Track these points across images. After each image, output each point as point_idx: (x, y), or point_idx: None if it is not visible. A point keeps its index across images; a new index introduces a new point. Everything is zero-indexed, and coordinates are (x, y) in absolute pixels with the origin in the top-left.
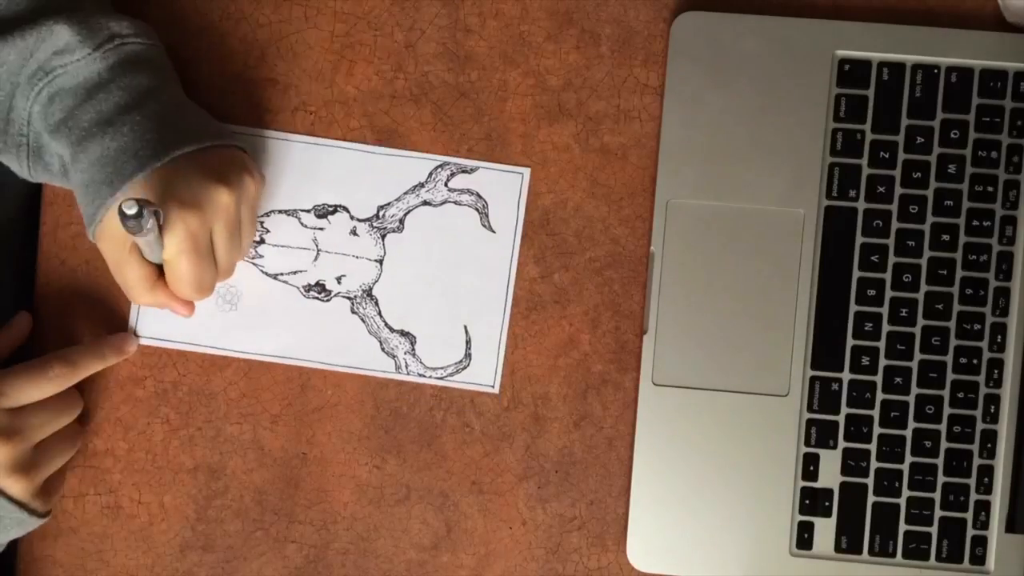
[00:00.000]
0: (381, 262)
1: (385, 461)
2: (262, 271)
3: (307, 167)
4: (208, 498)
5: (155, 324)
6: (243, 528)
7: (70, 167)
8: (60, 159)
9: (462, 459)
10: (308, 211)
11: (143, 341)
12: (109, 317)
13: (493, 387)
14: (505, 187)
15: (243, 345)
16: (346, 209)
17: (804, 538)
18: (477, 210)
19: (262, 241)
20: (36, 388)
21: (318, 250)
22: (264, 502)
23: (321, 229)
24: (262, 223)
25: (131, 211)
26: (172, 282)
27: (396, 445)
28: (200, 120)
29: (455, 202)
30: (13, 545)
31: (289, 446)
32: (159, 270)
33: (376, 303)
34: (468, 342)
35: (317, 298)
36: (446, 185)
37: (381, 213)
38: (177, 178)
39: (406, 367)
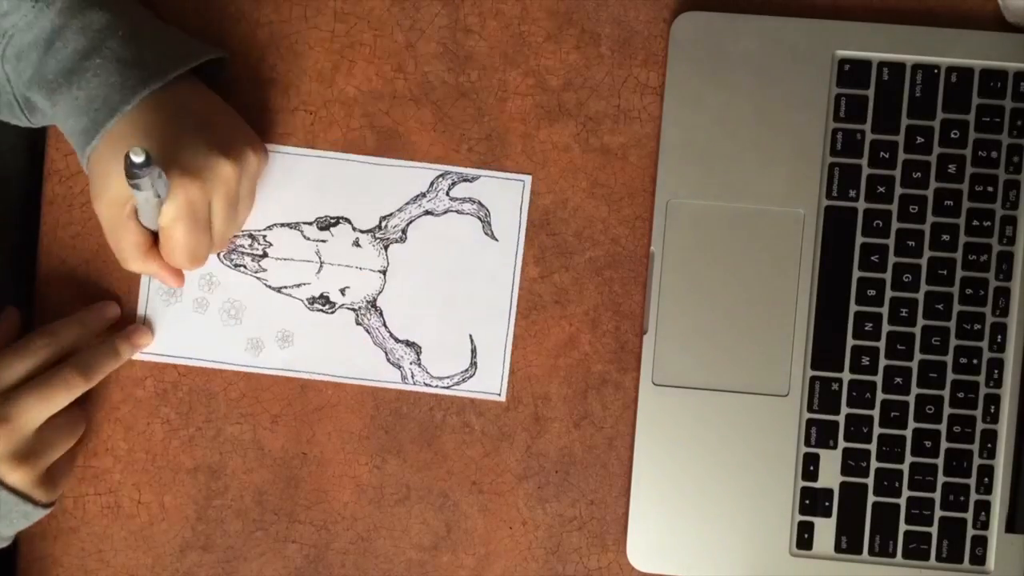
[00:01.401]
0: (385, 273)
1: (385, 461)
2: (266, 285)
3: (308, 179)
4: (208, 498)
5: (158, 339)
6: (243, 528)
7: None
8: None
9: (462, 459)
10: (310, 223)
11: (146, 358)
12: None
13: (500, 395)
14: (507, 195)
15: (248, 359)
16: (348, 221)
17: (804, 538)
18: (479, 218)
19: (265, 255)
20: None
21: (321, 262)
22: (264, 502)
23: (324, 241)
24: (264, 236)
25: (139, 158)
26: (166, 250)
27: (396, 445)
28: (163, 47)
29: (457, 211)
30: (14, 543)
31: (289, 446)
32: (154, 238)
33: (381, 314)
34: (474, 350)
35: (321, 310)
36: (447, 194)
37: (383, 224)
38: (182, 144)
39: (412, 377)
